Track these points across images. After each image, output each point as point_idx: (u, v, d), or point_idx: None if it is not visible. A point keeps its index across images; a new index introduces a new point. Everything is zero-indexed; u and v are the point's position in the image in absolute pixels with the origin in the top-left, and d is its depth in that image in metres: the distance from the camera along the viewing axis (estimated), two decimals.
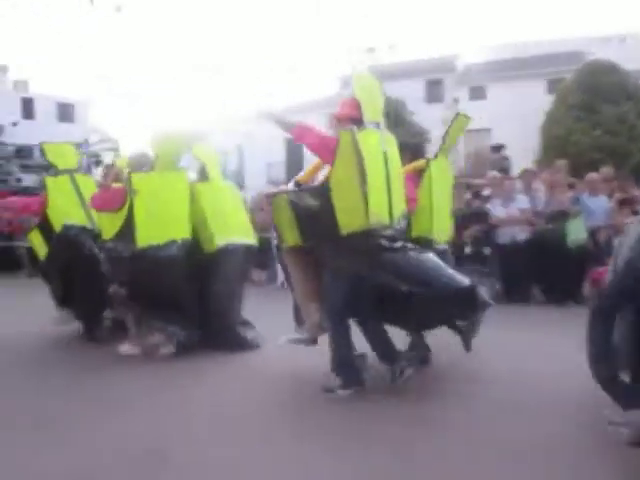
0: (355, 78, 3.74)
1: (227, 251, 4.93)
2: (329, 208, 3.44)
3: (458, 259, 6.11)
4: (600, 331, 2.65)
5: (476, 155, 24.09)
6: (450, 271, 3.73)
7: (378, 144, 3.51)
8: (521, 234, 7.35)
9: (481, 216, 7.53)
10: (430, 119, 23.19)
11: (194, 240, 4.93)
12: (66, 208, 5.58)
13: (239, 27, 70.40)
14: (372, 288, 3.61)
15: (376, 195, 3.38)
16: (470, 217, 7.19)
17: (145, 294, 4.81)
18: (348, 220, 3.42)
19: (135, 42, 69.68)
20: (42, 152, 5.92)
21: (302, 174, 4.11)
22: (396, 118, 21.02)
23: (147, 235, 4.71)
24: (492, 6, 66.15)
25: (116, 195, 4.90)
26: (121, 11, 9.78)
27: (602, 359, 2.65)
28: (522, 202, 7.48)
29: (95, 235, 5.49)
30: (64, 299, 5.68)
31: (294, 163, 26.04)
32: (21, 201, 9.29)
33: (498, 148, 9.83)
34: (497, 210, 7.48)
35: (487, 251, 7.48)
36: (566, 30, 61.99)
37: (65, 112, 30.29)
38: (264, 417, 3.44)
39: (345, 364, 3.72)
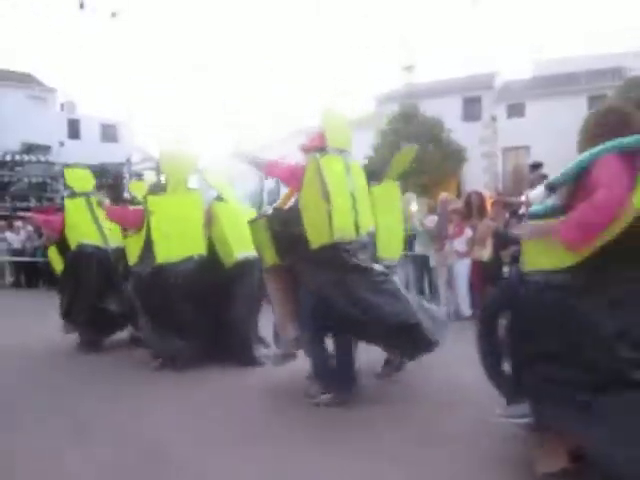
0: (323, 114, 4.08)
1: (246, 264, 5.06)
2: (300, 226, 3.81)
3: (497, 279, 6.02)
4: (484, 334, 2.97)
5: (514, 173, 23.79)
6: (404, 304, 3.80)
7: (341, 168, 3.89)
8: None
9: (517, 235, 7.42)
10: (467, 137, 23.05)
11: (213, 257, 5.15)
12: (82, 228, 6.02)
13: (277, 43, 71.72)
14: (334, 303, 3.79)
15: (339, 212, 3.76)
16: (509, 237, 7.06)
17: (157, 307, 5.02)
18: (316, 235, 3.78)
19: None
20: (64, 176, 6.50)
21: (279, 201, 4.55)
22: (433, 136, 21.00)
23: (166, 252, 4.98)
24: (531, 22, 65.65)
25: (136, 214, 5.30)
26: (116, 16, 10.10)
27: (488, 356, 2.96)
28: None
29: (108, 254, 5.96)
30: (69, 311, 6.02)
31: None
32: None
33: (536, 166, 9.64)
34: None
35: None
36: (606, 46, 60.98)
37: (108, 132, 31.32)
38: (262, 422, 3.67)
39: (323, 371, 3.99)
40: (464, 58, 57.75)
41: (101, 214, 6.04)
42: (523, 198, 8.32)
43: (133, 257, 5.31)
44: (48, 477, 2.95)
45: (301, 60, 66.32)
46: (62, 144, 25.48)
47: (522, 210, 8.05)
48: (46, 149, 26.09)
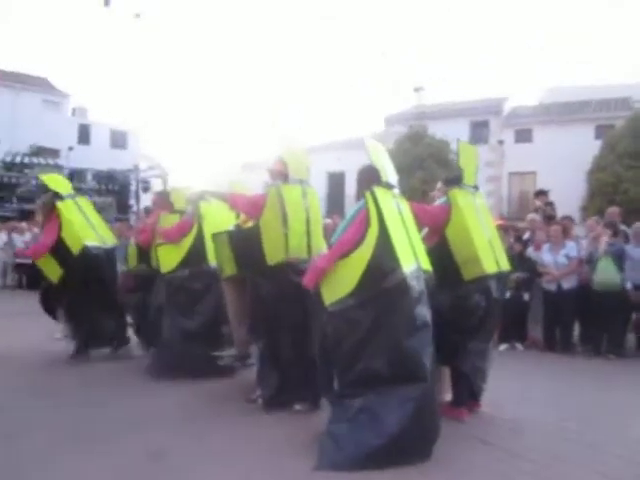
0: (284, 147, 4.57)
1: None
2: (259, 244, 4.19)
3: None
4: (322, 360, 3.62)
5: (520, 198, 23.83)
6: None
7: (299, 196, 4.32)
8: (567, 282, 7.18)
9: (526, 261, 7.39)
10: None
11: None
12: (80, 230, 5.86)
13: (288, 60, 72.42)
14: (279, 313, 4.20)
15: (294, 235, 4.20)
16: (514, 261, 7.01)
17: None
18: (272, 253, 4.19)
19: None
20: (41, 182, 6.37)
21: (239, 221, 5.01)
22: (439, 158, 21.06)
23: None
24: (541, 50, 66.17)
25: (185, 225, 5.42)
26: (140, 17, 10.29)
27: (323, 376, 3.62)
28: (571, 249, 7.24)
29: (113, 254, 5.95)
30: (73, 315, 5.90)
31: (335, 197, 26.26)
32: None
33: (541, 194, 9.65)
34: (545, 256, 7.33)
35: (527, 297, 7.32)
36: (614, 76, 61.35)
37: (118, 139, 31.56)
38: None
39: (265, 377, 4.30)
40: (473, 82, 58.15)
41: (91, 213, 6.07)
42: (522, 224, 8.34)
43: (168, 265, 5.33)
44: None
45: (309, 80, 66.97)
46: (71, 149, 25.62)
47: (526, 235, 8.07)
48: (55, 153, 26.28)
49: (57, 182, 6.23)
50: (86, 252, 5.74)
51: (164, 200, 5.84)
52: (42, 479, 3.00)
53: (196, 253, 5.30)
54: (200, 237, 5.31)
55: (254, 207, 4.36)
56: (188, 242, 5.34)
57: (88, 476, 3.01)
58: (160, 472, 3.08)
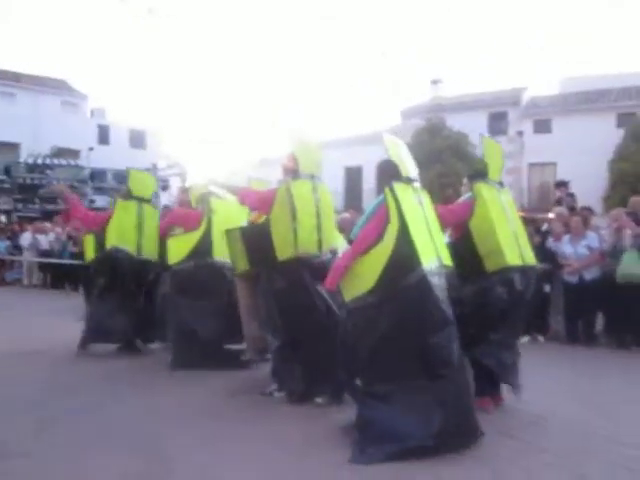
0: (294, 139, 4.54)
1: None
2: (271, 240, 4.23)
3: None
4: (343, 356, 3.64)
5: (541, 189, 23.56)
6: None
7: (309, 191, 4.33)
8: (589, 273, 7.11)
9: (546, 253, 7.32)
10: None
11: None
12: (123, 232, 6.00)
13: (301, 54, 72.34)
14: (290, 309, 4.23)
15: (304, 230, 4.21)
16: (534, 253, 6.92)
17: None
18: (282, 249, 4.22)
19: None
20: (127, 175, 6.38)
21: (251, 217, 5.00)
22: (458, 151, 20.92)
23: (221, 250, 5.16)
24: (560, 39, 65.20)
25: (194, 215, 5.58)
26: (152, 13, 10.35)
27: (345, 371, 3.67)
28: (592, 240, 7.14)
29: (138, 265, 5.98)
30: (88, 303, 6.16)
31: (353, 192, 26.23)
32: None
33: (562, 185, 9.53)
34: (566, 248, 7.26)
35: (547, 288, 7.25)
36: (635, 64, 60.12)
37: (137, 139, 31.87)
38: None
39: (280, 371, 4.39)
40: (491, 73, 57.48)
41: (149, 222, 6.11)
42: (551, 215, 8.25)
43: (175, 257, 5.45)
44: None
45: (324, 73, 66.83)
46: (91, 149, 25.98)
47: (545, 227, 7.98)
48: (75, 153, 26.65)
49: (138, 181, 6.31)
50: (111, 252, 5.93)
51: (184, 198, 6.04)
52: (72, 470, 3.06)
53: (203, 247, 5.39)
54: (208, 231, 5.39)
55: (263, 203, 4.42)
56: (197, 235, 5.43)
57: (112, 470, 3.07)
58: (180, 468, 3.12)
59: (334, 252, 4.41)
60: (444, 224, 3.97)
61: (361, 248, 3.50)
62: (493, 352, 4.08)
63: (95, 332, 5.95)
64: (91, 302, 6.09)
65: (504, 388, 4.24)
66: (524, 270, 4.18)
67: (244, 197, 4.62)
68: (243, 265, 4.64)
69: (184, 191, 6.32)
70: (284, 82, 68.48)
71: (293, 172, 4.36)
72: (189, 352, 5.20)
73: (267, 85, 69.39)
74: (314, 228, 4.28)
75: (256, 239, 4.45)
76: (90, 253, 6.18)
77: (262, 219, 4.65)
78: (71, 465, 3.12)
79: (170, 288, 5.51)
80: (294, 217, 4.18)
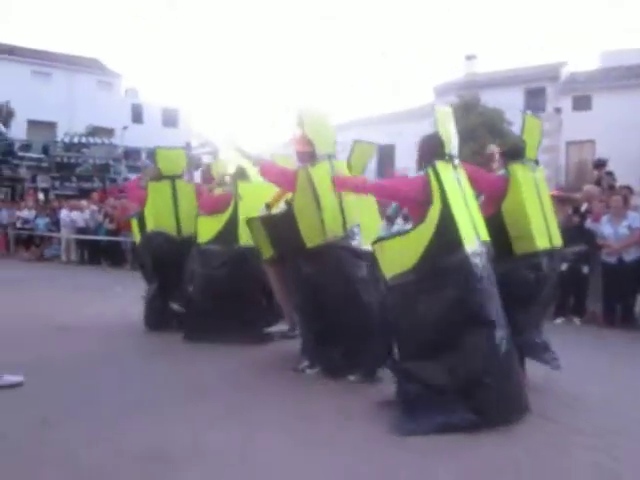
0: (304, 115, 4.38)
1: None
2: (294, 229, 4.27)
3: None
4: (383, 332, 3.80)
5: (579, 168, 22.92)
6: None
7: (327, 173, 4.28)
8: (629, 254, 6.91)
9: (584, 234, 7.13)
10: None
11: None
12: (159, 214, 6.05)
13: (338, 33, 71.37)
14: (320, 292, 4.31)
15: (329, 215, 4.23)
16: (572, 233, 6.75)
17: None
18: (310, 237, 4.26)
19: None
20: (154, 155, 6.35)
21: (270, 199, 5.03)
22: (492, 128, 20.42)
23: (246, 236, 5.20)
24: (601, 13, 62.70)
25: (223, 200, 5.56)
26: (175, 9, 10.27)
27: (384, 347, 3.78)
28: (634, 220, 6.90)
29: (178, 245, 5.98)
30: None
31: (386, 170, 25.96)
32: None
33: (601, 164, 9.24)
34: (605, 228, 7.06)
35: (586, 270, 7.08)
36: None
37: (170, 117, 32.13)
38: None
39: (310, 349, 4.46)
40: (528, 48, 55.78)
41: (185, 199, 6.09)
42: (584, 194, 8.00)
43: (205, 236, 5.54)
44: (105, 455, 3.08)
45: (361, 50, 65.84)
46: (126, 128, 26.29)
47: (584, 207, 7.77)
48: (110, 132, 27.02)
49: (166, 159, 6.21)
50: (150, 236, 6.04)
51: (207, 173, 6.13)
52: (110, 436, 3.15)
53: (229, 231, 5.43)
54: (235, 216, 5.41)
55: (285, 178, 4.43)
56: (224, 218, 5.48)
57: (144, 438, 3.15)
58: (217, 441, 3.16)
59: (358, 227, 4.42)
60: (475, 188, 3.90)
61: (383, 189, 3.76)
62: (519, 331, 4.03)
63: (150, 314, 6.05)
64: (148, 282, 6.25)
65: (539, 369, 4.18)
66: (552, 253, 4.17)
67: (265, 171, 4.59)
68: (268, 251, 4.76)
69: (206, 168, 6.35)
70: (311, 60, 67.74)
71: (310, 156, 4.31)
72: (204, 324, 5.32)
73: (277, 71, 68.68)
74: (337, 211, 4.30)
75: (278, 229, 4.54)
76: (137, 236, 6.33)
77: (286, 197, 4.72)
78: (109, 432, 3.22)
79: (196, 264, 5.59)
80: (318, 205, 4.19)
